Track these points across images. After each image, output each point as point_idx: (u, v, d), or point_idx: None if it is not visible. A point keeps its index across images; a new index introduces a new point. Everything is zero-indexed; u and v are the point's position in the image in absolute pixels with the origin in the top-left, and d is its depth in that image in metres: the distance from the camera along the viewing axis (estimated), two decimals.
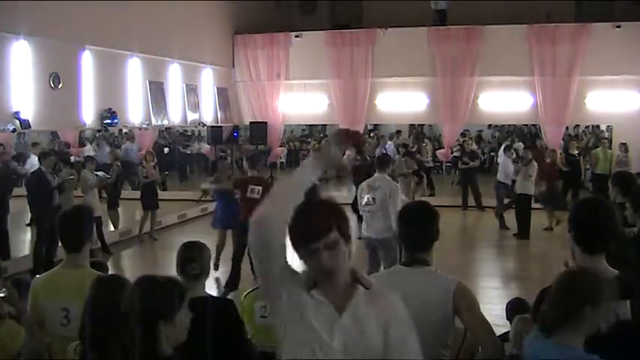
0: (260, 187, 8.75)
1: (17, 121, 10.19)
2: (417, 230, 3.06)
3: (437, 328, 2.85)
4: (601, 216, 2.88)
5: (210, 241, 9.02)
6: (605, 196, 5.00)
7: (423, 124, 21.64)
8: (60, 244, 3.76)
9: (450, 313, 2.85)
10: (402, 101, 16.59)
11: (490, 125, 22.71)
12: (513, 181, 12.87)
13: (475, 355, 3.08)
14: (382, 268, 7.60)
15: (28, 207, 10.37)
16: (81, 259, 3.54)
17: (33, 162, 12.28)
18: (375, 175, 7.96)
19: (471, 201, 15.52)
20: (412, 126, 20.69)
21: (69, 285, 3.44)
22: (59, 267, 3.61)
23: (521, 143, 19.53)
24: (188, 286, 3.66)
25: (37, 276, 3.71)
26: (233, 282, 8.69)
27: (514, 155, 13.16)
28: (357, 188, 8.80)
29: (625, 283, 2.81)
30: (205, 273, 3.70)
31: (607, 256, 2.87)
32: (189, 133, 21.18)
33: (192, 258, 3.66)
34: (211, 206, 15.54)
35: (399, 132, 20.03)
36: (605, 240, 2.85)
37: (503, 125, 22.06)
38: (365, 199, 7.71)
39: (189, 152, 20.68)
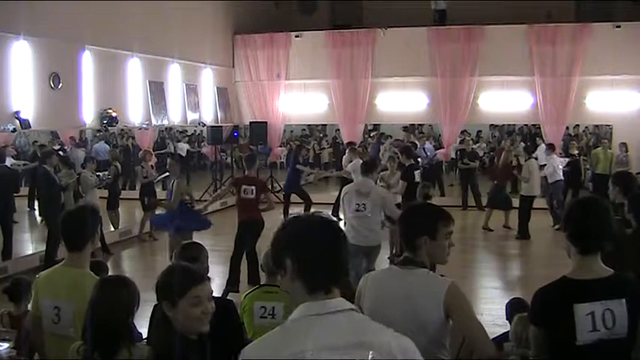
0: (253, 187, 8.74)
1: (17, 121, 10.20)
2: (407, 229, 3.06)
3: (430, 329, 2.83)
4: (596, 215, 2.88)
5: (209, 241, 9.05)
6: (606, 196, 5.00)
7: (422, 124, 21.62)
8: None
9: (442, 314, 2.82)
10: (402, 101, 16.58)
11: (490, 126, 22.62)
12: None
13: (473, 355, 3.08)
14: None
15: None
16: (81, 259, 3.54)
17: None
18: (360, 179, 7.78)
19: (471, 201, 15.54)
20: (412, 126, 20.66)
21: (63, 284, 3.46)
22: (60, 265, 3.62)
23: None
24: None
25: (41, 273, 3.71)
26: (234, 283, 8.53)
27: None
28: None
29: (620, 282, 2.82)
30: (205, 274, 3.71)
31: (603, 256, 2.87)
32: (189, 133, 21.17)
33: (193, 258, 3.67)
34: (211, 206, 15.55)
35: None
36: (600, 239, 2.85)
37: (503, 125, 22.03)
38: (354, 206, 7.43)
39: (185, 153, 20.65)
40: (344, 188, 8.11)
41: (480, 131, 22.62)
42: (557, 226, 12.76)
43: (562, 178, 13.13)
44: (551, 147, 13.49)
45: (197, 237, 7.91)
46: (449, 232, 3.00)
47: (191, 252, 3.74)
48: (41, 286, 3.57)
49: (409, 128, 17.77)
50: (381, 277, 3.11)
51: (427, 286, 2.88)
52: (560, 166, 13.19)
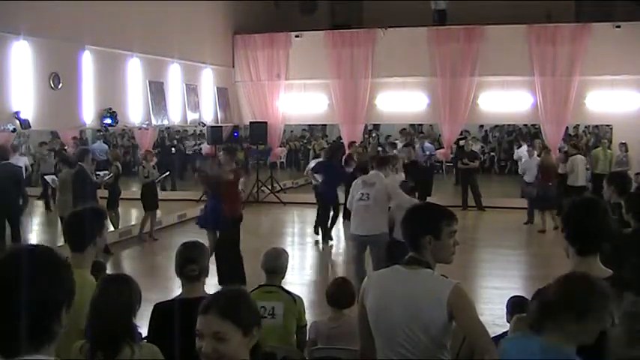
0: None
1: (17, 121, 10.21)
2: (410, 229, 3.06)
3: (433, 330, 2.83)
4: (594, 216, 2.89)
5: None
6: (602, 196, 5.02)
7: (422, 124, 21.63)
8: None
9: (445, 316, 2.81)
10: (402, 101, 16.58)
11: (482, 126, 22.59)
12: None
13: (474, 356, 3.08)
14: (370, 266, 7.63)
15: None
16: (83, 261, 3.52)
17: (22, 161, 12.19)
18: (372, 172, 7.99)
19: (471, 201, 15.55)
20: (412, 126, 20.67)
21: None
22: None
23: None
24: (187, 286, 3.69)
25: None
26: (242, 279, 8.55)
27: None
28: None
29: (619, 282, 2.82)
30: (204, 273, 3.71)
31: (601, 256, 2.88)
32: (189, 133, 21.15)
33: (192, 258, 3.67)
34: None
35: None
36: (599, 240, 2.86)
37: (504, 125, 22.03)
38: (358, 195, 7.69)
39: (189, 152, 20.63)
40: (354, 181, 8.34)
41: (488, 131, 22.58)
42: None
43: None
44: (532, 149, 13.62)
45: (196, 236, 7.91)
46: (453, 231, 2.98)
47: (191, 252, 3.73)
48: None
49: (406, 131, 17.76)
50: (385, 276, 3.10)
51: (431, 287, 2.88)
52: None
